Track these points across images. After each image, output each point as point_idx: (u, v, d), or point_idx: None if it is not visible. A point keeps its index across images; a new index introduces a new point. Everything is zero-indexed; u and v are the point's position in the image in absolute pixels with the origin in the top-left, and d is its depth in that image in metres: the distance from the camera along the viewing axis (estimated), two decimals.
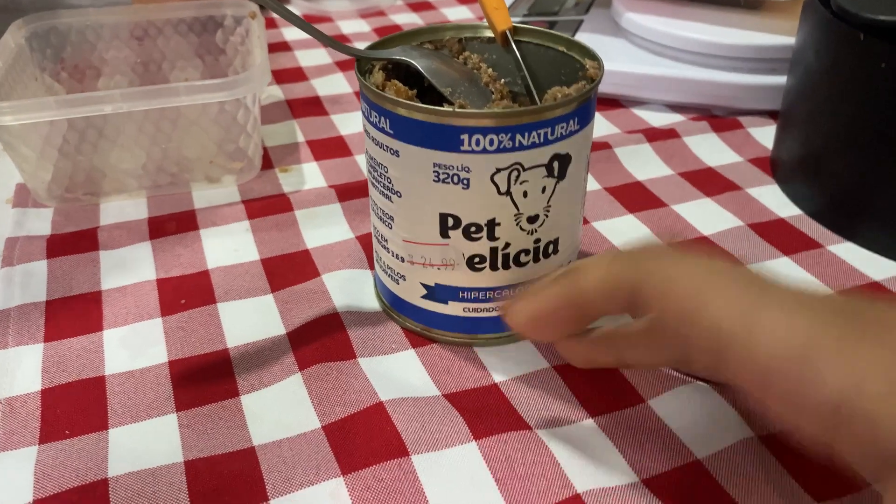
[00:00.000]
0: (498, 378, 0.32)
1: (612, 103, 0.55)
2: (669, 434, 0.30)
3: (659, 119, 0.52)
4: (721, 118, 0.52)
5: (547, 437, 0.29)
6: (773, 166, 0.47)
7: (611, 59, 0.54)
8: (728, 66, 0.52)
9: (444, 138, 0.28)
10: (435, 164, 0.29)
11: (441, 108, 0.28)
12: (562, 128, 0.28)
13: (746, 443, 0.29)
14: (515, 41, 0.34)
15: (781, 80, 0.49)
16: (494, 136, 0.28)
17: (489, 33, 0.35)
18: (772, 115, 0.52)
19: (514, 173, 0.29)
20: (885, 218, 0.39)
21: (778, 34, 0.52)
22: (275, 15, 0.69)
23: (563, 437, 0.29)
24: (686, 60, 0.53)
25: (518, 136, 0.28)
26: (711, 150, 0.49)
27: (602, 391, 0.31)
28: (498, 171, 0.28)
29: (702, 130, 0.51)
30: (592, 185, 0.45)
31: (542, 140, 0.28)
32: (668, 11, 0.55)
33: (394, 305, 0.35)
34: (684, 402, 0.31)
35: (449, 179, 0.29)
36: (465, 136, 0.28)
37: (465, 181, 0.29)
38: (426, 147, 0.28)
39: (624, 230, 0.41)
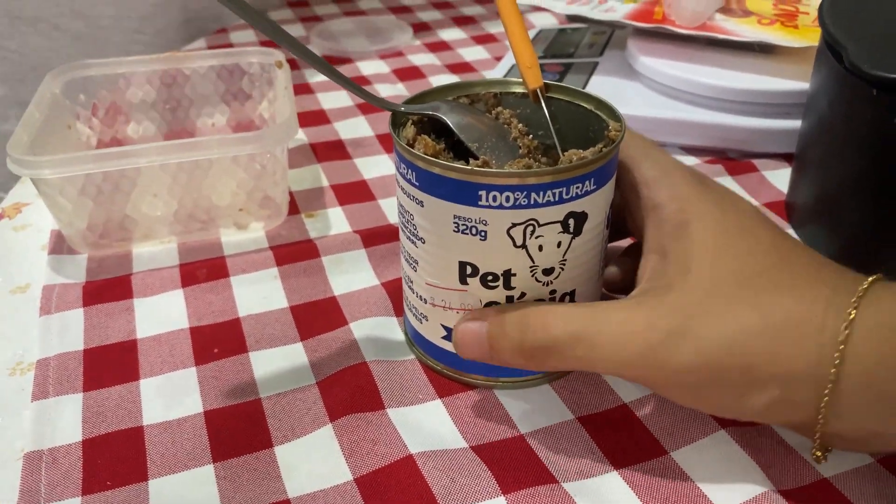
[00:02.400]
0: (523, 429, 0.33)
1: None
2: (692, 487, 0.30)
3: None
4: (736, 161, 0.54)
5: (573, 490, 0.30)
6: (789, 210, 0.48)
7: (626, 103, 0.56)
8: (742, 110, 0.54)
9: (463, 193, 0.30)
10: (455, 216, 0.30)
11: (461, 166, 0.30)
12: (577, 188, 0.30)
13: (767, 496, 0.30)
14: (548, 97, 0.36)
15: (795, 123, 0.50)
16: (510, 194, 0.29)
17: (523, 88, 0.37)
18: (786, 158, 0.53)
19: (530, 228, 0.30)
20: None
21: (791, 79, 0.53)
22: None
23: (589, 490, 0.30)
24: (701, 104, 0.54)
25: (533, 195, 0.29)
26: None
27: (625, 443, 0.32)
28: (514, 225, 0.30)
29: (717, 174, 0.52)
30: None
31: (556, 199, 0.29)
32: (683, 56, 0.56)
33: (417, 342, 0.36)
34: (706, 454, 0.32)
35: (468, 231, 0.30)
36: (482, 192, 0.29)
37: (482, 233, 0.30)
38: (447, 200, 0.30)
39: None
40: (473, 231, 0.30)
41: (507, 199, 0.29)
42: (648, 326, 0.29)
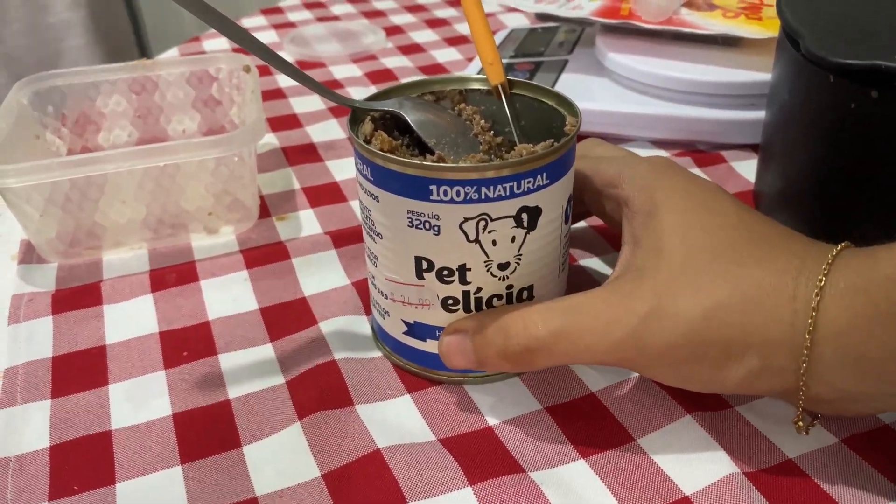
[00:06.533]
0: (492, 421, 0.33)
1: None
2: (658, 471, 0.31)
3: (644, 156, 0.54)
4: (705, 153, 0.54)
5: (540, 479, 0.30)
6: (756, 199, 0.49)
7: (596, 99, 0.56)
8: (709, 102, 0.54)
9: (415, 188, 0.30)
10: (408, 211, 0.30)
11: (411, 161, 0.30)
12: (528, 182, 0.30)
13: (732, 477, 0.30)
14: (512, 94, 0.36)
15: (761, 114, 0.51)
16: (461, 188, 0.29)
17: (488, 85, 0.37)
18: (754, 148, 0.54)
19: (482, 223, 0.30)
20: None
21: (756, 70, 0.53)
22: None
23: (555, 478, 0.30)
24: (668, 98, 0.55)
25: (484, 189, 0.29)
26: None
27: (592, 431, 0.32)
28: (466, 220, 0.30)
29: (686, 166, 0.52)
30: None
31: (508, 193, 0.30)
32: (650, 51, 0.57)
33: (381, 338, 0.37)
34: (672, 439, 0.32)
35: (421, 225, 0.30)
36: (433, 187, 0.29)
37: (435, 228, 0.30)
38: (400, 195, 0.30)
39: (609, 269, 0.42)
40: (427, 226, 0.30)
41: (458, 193, 0.29)
42: (626, 311, 0.29)
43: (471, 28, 0.37)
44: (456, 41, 0.77)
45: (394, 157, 0.30)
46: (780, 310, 0.27)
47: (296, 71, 0.33)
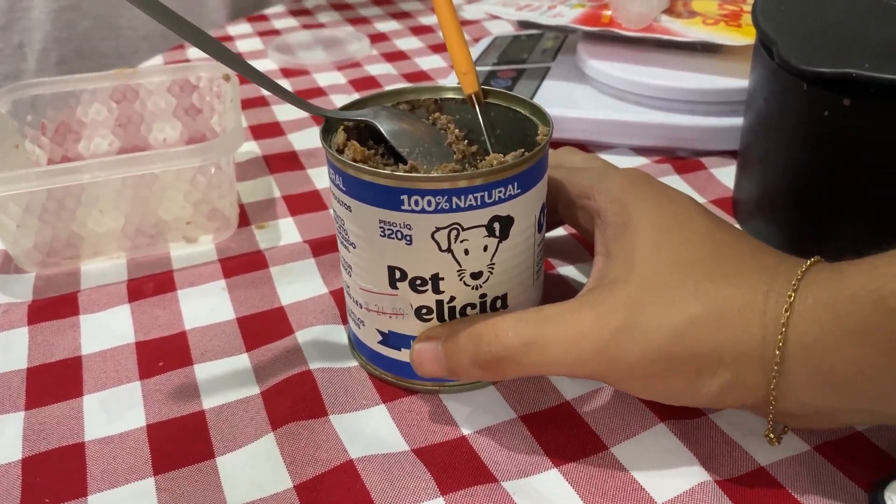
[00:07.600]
0: (466, 430, 0.33)
1: (579, 148, 0.56)
2: (631, 480, 0.31)
3: (624, 163, 0.54)
4: (685, 159, 0.54)
5: (513, 489, 0.30)
6: (735, 206, 0.49)
7: (577, 106, 0.56)
8: (689, 109, 0.54)
9: (386, 198, 0.30)
10: (380, 221, 0.30)
11: (382, 171, 0.30)
12: (500, 192, 0.30)
13: (704, 485, 0.30)
14: (487, 103, 0.36)
15: (741, 120, 0.51)
16: (432, 198, 0.29)
17: (462, 94, 0.37)
18: (733, 154, 0.54)
19: (454, 232, 0.30)
20: (838, 259, 0.40)
21: (736, 77, 0.54)
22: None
23: (528, 488, 0.30)
24: (649, 105, 0.55)
25: (455, 199, 0.29)
26: None
27: (566, 440, 0.32)
28: (438, 229, 0.30)
29: (666, 173, 0.52)
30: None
31: (479, 203, 0.30)
32: (631, 58, 0.57)
33: (357, 348, 0.37)
34: (645, 448, 0.32)
35: (393, 235, 0.30)
36: (404, 197, 0.29)
37: (407, 237, 0.30)
38: (372, 205, 0.30)
39: (587, 278, 0.42)
40: (399, 235, 0.30)
41: (430, 203, 0.29)
42: (598, 325, 0.29)
43: (446, 39, 0.37)
44: (440, 48, 0.77)
45: (365, 167, 0.30)
46: (750, 325, 0.27)
47: (268, 80, 0.33)
